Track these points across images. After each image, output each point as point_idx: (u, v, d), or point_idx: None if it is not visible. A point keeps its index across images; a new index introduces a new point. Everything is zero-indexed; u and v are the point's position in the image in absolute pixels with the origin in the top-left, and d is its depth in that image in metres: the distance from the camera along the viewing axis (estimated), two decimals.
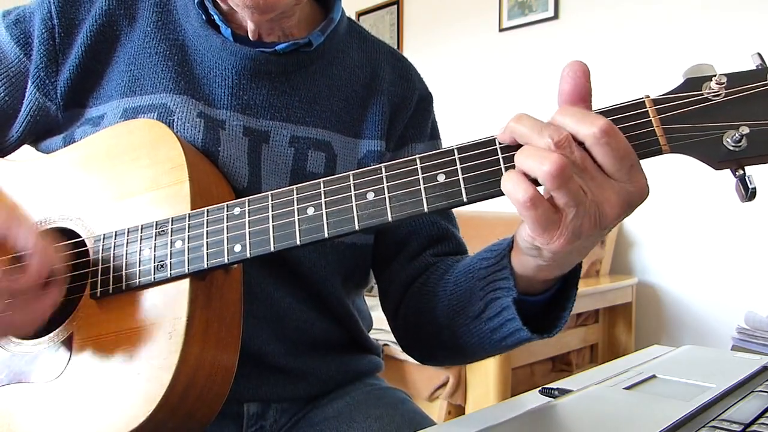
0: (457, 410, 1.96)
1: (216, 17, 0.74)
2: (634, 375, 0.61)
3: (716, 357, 0.70)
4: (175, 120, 0.70)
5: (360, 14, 3.86)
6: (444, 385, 1.94)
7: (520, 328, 0.61)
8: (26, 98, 0.74)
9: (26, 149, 0.79)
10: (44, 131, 0.76)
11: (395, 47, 0.91)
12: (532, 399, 0.60)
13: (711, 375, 0.59)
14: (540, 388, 0.62)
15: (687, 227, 2.49)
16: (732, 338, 1.41)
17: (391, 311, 0.80)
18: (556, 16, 2.91)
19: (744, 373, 0.59)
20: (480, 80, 3.21)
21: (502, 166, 0.51)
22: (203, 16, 0.75)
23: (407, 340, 0.80)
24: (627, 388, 0.56)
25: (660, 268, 2.60)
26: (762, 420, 0.46)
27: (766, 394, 0.53)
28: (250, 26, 0.74)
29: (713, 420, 0.46)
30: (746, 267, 2.33)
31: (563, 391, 0.59)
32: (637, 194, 0.49)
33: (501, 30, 3.12)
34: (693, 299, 2.50)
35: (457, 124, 2.72)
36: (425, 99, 0.86)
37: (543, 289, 0.61)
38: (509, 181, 0.49)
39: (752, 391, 0.54)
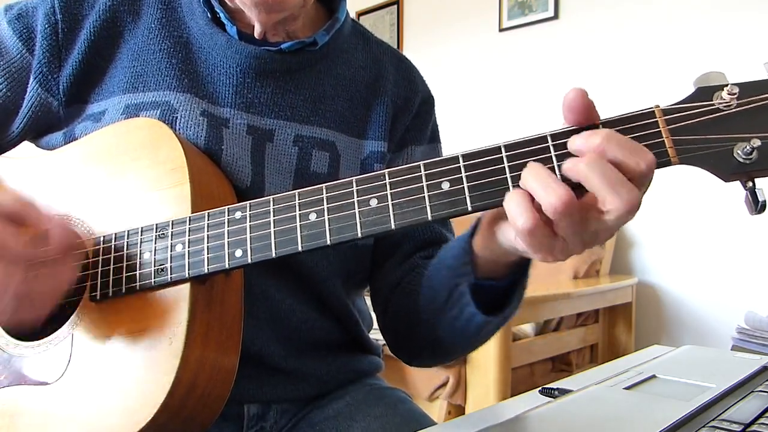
0: (457, 410, 1.96)
1: (221, 15, 0.74)
2: (634, 375, 0.61)
3: (716, 357, 0.70)
4: (178, 118, 0.70)
5: (360, 14, 3.86)
6: (444, 385, 1.94)
7: (476, 312, 0.61)
8: (28, 94, 0.74)
9: (25, 145, 0.79)
10: (45, 127, 0.76)
11: (395, 47, 0.90)
12: (532, 399, 0.60)
13: (711, 375, 0.60)
14: (540, 388, 0.62)
15: (687, 227, 2.49)
16: (732, 338, 1.41)
17: (380, 313, 0.81)
18: (556, 16, 2.91)
19: (744, 373, 0.59)
20: (480, 80, 3.21)
21: (508, 175, 0.50)
22: (208, 14, 0.75)
23: (394, 340, 0.80)
24: (627, 388, 0.57)
25: (660, 268, 2.60)
26: (762, 420, 0.46)
27: (766, 394, 0.53)
28: (257, 27, 0.74)
29: (713, 420, 0.46)
30: (746, 267, 2.33)
31: (563, 391, 0.59)
32: (630, 215, 0.48)
33: (501, 30, 3.12)
34: (693, 299, 2.50)
35: (457, 125, 2.73)
36: (427, 101, 0.86)
37: (508, 273, 0.62)
38: (512, 202, 0.49)
39: (752, 391, 0.54)
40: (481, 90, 3.19)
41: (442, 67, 3.34)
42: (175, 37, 0.75)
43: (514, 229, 0.49)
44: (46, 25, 0.74)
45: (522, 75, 3.02)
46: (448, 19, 3.38)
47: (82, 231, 0.65)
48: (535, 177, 0.48)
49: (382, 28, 3.72)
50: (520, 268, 0.61)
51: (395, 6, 3.67)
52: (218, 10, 0.74)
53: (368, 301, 0.91)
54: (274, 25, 0.75)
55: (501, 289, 0.62)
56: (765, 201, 0.47)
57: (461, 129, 2.78)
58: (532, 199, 0.48)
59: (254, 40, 0.75)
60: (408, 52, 3.55)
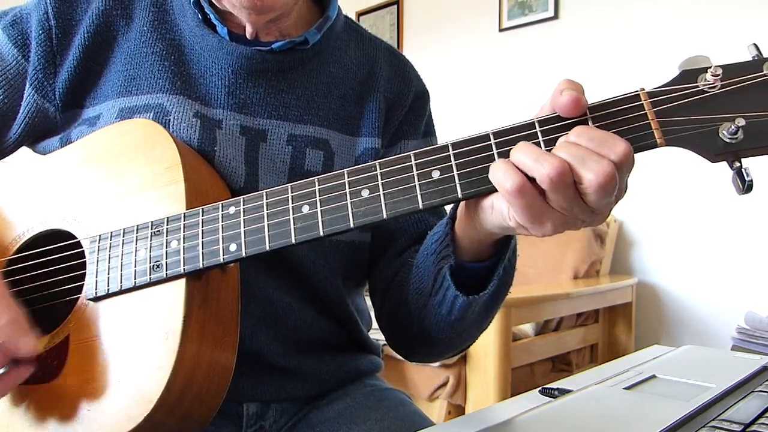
0: (457, 410, 1.96)
1: (212, 16, 0.74)
2: (634, 375, 0.61)
3: (716, 357, 0.70)
4: (171, 120, 0.70)
5: (360, 14, 3.86)
6: (444, 385, 1.94)
7: (457, 294, 0.61)
8: (24, 100, 0.74)
9: (22, 149, 0.79)
10: (42, 133, 0.76)
11: (394, 46, 0.90)
12: (532, 399, 0.60)
13: (711, 375, 0.59)
14: (540, 388, 0.62)
15: (687, 227, 2.49)
16: (732, 338, 1.41)
17: (377, 309, 0.80)
18: (556, 16, 2.91)
19: (744, 373, 0.59)
20: (480, 80, 3.21)
21: (497, 161, 0.51)
22: (199, 16, 0.75)
23: (391, 336, 0.80)
24: (627, 388, 0.56)
25: (660, 268, 2.60)
26: (762, 420, 0.46)
27: (766, 394, 0.53)
28: (248, 28, 0.73)
29: (713, 420, 0.46)
30: (746, 267, 2.33)
31: (563, 391, 0.59)
32: (606, 188, 0.47)
33: (501, 30, 3.12)
34: (693, 299, 2.49)
35: (456, 124, 2.72)
36: (421, 96, 0.86)
37: (494, 253, 0.61)
38: (498, 170, 0.49)
39: (752, 391, 0.54)
40: (481, 90, 3.19)
41: (442, 67, 3.34)
42: (167, 39, 0.75)
43: (504, 195, 0.49)
44: (40, 31, 0.74)
45: (522, 75, 3.02)
46: (448, 19, 3.38)
47: (78, 231, 0.65)
48: (525, 153, 0.48)
49: (382, 28, 3.72)
50: (505, 247, 0.61)
51: (395, 6, 3.67)
52: (208, 12, 0.74)
53: (368, 300, 0.91)
54: (265, 24, 0.74)
55: (485, 269, 0.62)
56: (752, 180, 0.48)
57: (461, 128, 2.78)
58: (520, 170, 0.48)
59: (245, 40, 0.75)
60: (408, 52, 3.55)
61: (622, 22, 2.68)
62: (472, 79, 3.24)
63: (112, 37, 0.75)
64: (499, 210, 0.52)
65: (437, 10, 3.45)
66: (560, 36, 2.90)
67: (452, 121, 2.60)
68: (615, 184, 0.47)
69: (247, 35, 0.74)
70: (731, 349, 1.28)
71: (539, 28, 2.98)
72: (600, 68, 2.72)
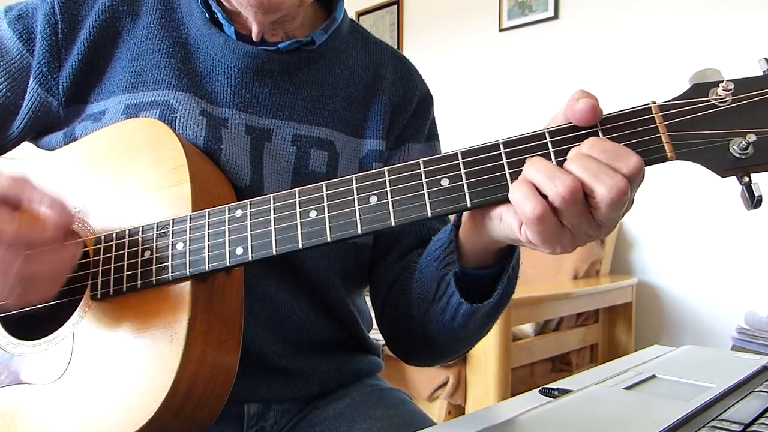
0: (457, 410, 1.96)
1: (219, 15, 0.74)
2: (634, 375, 0.61)
3: (716, 357, 0.70)
4: (178, 117, 0.70)
5: (360, 14, 3.86)
6: (444, 385, 1.94)
7: (461, 301, 0.61)
8: (28, 94, 0.74)
9: (26, 146, 0.79)
10: (45, 127, 0.76)
11: (395, 47, 0.90)
12: (532, 399, 0.61)
13: (711, 375, 0.60)
14: (540, 388, 0.62)
15: (687, 227, 2.49)
16: (732, 338, 1.41)
17: (378, 311, 0.81)
18: (556, 16, 2.91)
19: (744, 373, 0.59)
20: (480, 80, 3.21)
21: (507, 171, 0.51)
22: (206, 15, 0.75)
23: (392, 338, 0.80)
24: (627, 388, 0.57)
25: (660, 268, 2.60)
26: (762, 420, 0.46)
27: (766, 394, 0.53)
28: (254, 28, 0.74)
29: (713, 420, 0.46)
30: (746, 267, 2.33)
31: (563, 391, 0.59)
32: (619, 202, 0.48)
33: (501, 30, 3.12)
34: (693, 299, 2.50)
35: (457, 125, 2.73)
36: (425, 100, 0.87)
37: (497, 261, 0.61)
38: (518, 192, 0.49)
39: (752, 391, 0.54)
40: (481, 90, 3.19)
41: (442, 67, 3.34)
42: (174, 37, 0.76)
43: (522, 218, 0.49)
44: (46, 26, 0.74)
45: (522, 75, 3.02)
46: (448, 19, 3.38)
47: (83, 230, 0.65)
48: (538, 169, 0.48)
49: (382, 28, 3.71)
50: (509, 255, 0.61)
51: (395, 6, 3.67)
52: (216, 11, 0.74)
53: (368, 300, 0.91)
54: (271, 25, 0.75)
55: (489, 277, 0.62)
56: (761, 196, 0.48)
57: (462, 129, 2.78)
58: (537, 189, 0.48)
59: (252, 40, 0.75)
60: (408, 52, 3.55)
61: (622, 23, 2.68)
62: (472, 79, 3.24)
63: (117, 33, 0.76)
64: (508, 223, 0.52)
65: (437, 10, 3.45)
66: (560, 36, 2.90)
67: (453, 121, 2.60)
68: (627, 199, 0.47)
69: (253, 36, 0.74)
70: (731, 349, 1.28)
71: (539, 28, 2.98)
72: (600, 68, 2.72)
